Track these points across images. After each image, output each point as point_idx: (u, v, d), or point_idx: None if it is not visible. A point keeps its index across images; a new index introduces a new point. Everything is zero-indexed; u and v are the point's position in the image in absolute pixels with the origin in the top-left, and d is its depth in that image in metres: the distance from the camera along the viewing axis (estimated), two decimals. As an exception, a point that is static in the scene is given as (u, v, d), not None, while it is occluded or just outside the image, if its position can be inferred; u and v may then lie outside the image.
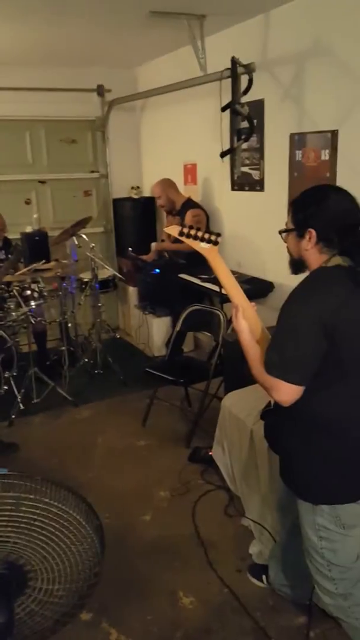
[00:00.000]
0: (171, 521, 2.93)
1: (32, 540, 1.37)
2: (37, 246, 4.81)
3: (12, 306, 4.05)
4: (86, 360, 4.80)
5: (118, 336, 5.40)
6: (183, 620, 2.31)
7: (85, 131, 5.70)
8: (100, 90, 5.53)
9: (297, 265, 1.82)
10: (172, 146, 5.30)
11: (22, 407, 4.08)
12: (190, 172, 5.08)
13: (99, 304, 4.86)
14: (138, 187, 5.84)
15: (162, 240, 5.06)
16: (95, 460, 3.56)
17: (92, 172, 5.83)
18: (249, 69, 3.69)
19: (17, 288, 4.04)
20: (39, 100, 5.25)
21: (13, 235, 4.83)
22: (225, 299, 3.82)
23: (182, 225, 1.73)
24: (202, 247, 1.74)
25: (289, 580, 2.29)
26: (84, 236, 4.65)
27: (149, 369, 3.88)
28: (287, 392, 1.65)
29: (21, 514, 1.32)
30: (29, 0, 3.26)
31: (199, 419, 3.70)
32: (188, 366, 4.10)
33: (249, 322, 1.79)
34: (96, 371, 4.79)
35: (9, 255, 4.52)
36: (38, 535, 1.37)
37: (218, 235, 1.73)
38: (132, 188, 5.80)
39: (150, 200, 5.81)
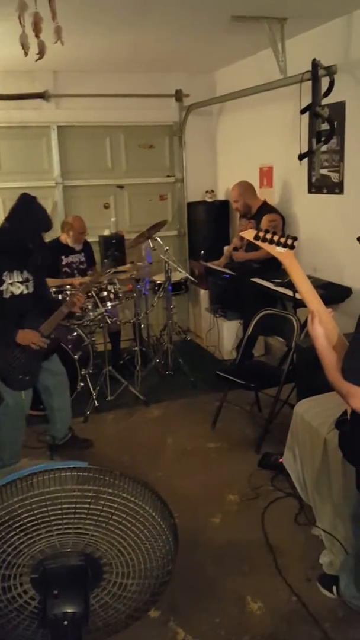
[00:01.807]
0: (240, 525, 2.92)
1: (109, 534, 1.41)
2: (114, 249, 4.94)
3: (89, 306, 4.18)
4: (157, 360, 4.88)
5: (189, 338, 5.45)
6: (251, 626, 2.30)
7: (163, 136, 5.80)
8: (179, 96, 5.60)
9: None
10: (248, 149, 5.28)
11: (96, 404, 4.20)
12: (266, 175, 5.05)
13: (171, 306, 4.92)
14: (212, 191, 5.86)
15: (235, 248, 5.04)
16: (165, 459, 3.60)
17: (168, 176, 5.92)
18: (330, 71, 3.63)
19: (95, 289, 4.16)
20: (118, 106, 5.39)
21: (91, 238, 4.98)
22: (299, 303, 3.78)
23: (259, 229, 1.73)
24: (278, 251, 1.73)
25: (361, 593, 2.23)
26: (159, 239, 4.73)
27: (220, 372, 3.88)
28: (365, 400, 1.62)
29: (100, 508, 1.36)
30: (115, 9, 3.36)
31: (270, 425, 3.66)
32: (259, 371, 4.07)
33: (325, 328, 1.76)
34: (167, 372, 4.86)
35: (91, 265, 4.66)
36: (115, 530, 1.40)
37: (294, 239, 1.71)
38: (207, 192, 5.83)
39: (224, 204, 5.82)
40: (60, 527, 1.36)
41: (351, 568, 2.25)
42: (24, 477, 1.34)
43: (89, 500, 1.35)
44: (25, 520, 1.33)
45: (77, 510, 1.35)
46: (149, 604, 1.59)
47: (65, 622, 1.36)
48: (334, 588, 2.39)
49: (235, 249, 5.09)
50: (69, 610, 1.37)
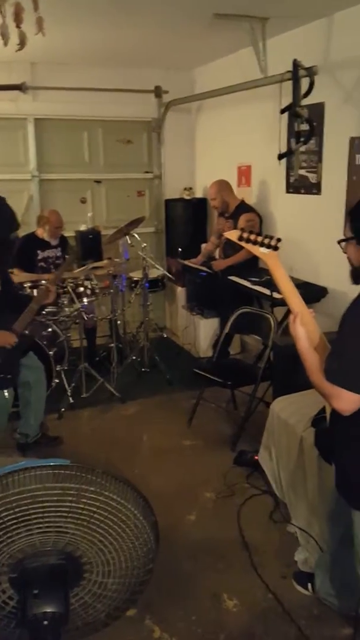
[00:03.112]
0: (216, 523, 2.93)
1: (90, 533, 1.40)
2: (90, 244, 4.90)
3: (65, 302, 4.13)
4: (134, 357, 4.85)
5: (165, 336, 5.44)
6: (226, 623, 2.31)
7: (141, 132, 5.77)
8: (158, 92, 5.58)
9: (358, 274, 1.79)
10: (227, 148, 5.30)
11: (71, 400, 4.16)
12: (244, 174, 5.07)
13: (148, 303, 4.90)
14: (190, 189, 5.86)
15: (214, 258, 5.05)
16: (141, 457, 3.59)
17: (146, 172, 5.89)
18: (311, 72, 3.66)
19: (71, 285, 4.11)
20: (97, 100, 5.34)
21: (68, 233, 4.93)
22: (276, 302, 3.80)
23: (243, 230, 1.72)
24: (262, 252, 1.73)
25: (335, 590, 2.26)
26: (136, 236, 4.70)
27: (197, 369, 3.88)
28: (348, 401, 1.63)
29: (81, 506, 1.34)
30: (96, 2, 3.33)
31: (245, 423, 3.68)
32: (235, 369, 4.10)
33: (306, 329, 1.78)
34: (143, 369, 4.84)
35: (65, 255, 4.62)
36: (96, 528, 1.39)
37: (279, 240, 1.71)
38: (185, 189, 5.82)
39: (202, 202, 5.83)
40: (41, 525, 1.34)
41: (326, 565, 2.27)
42: (4, 475, 1.32)
43: (70, 498, 1.33)
44: (6, 519, 1.30)
45: (58, 509, 1.33)
46: (129, 603, 1.58)
47: (45, 622, 1.34)
48: (309, 585, 2.41)
49: (214, 258, 5.09)
50: (49, 610, 1.35)
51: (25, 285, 4.05)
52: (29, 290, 4.04)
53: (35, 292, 3.98)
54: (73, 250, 4.50)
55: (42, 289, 3.37)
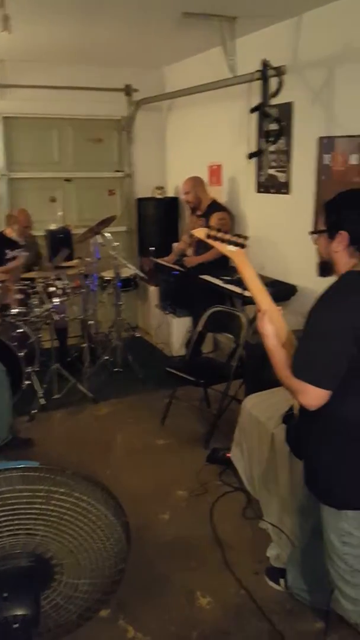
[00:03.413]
0: (189, 521, 2.94)
1: (60, 534, 1.38)
2: (61, 244, 4.86)
3: (35, 302, 4.09)
4: (106, 358, 4.83)
5: (138, 335, 5.43)
6: (200, 621, 2.32)
7: (112, 130, 5.75)
8: (128, 90, 5.56)
9: (325, 267, 1.82)
10: (198, 147, 5.31)
11: (43, 402, 4.12)
12: (215, 173, 5.09)
13: (120, 303, 4.88)
14: (162, 188, 5.85)
15: (197, 248, 5.04)
16: (114, 457, 3.58)
17: (117, 171, 5.87)
18: (280, 72, 3.69)
19: (42, 284, 4.07)
20: (67, 98, 5.29)
21: (38, 232, 4.88)
22: (247, 300, 3.83)
23: (211, 228, 1.73)
24: (229, 250, 1.74)
25: (307, 584, 2.28)
26: (108, 235, 4.67)
27: (170, 368, 3.89)
28: (315, 396, 1.65)
29: (51, 508, 1.33)
30: (61, 0, 3.30)
31: (218, 420, 3.70)
32: (208, 367, 4.11)
33: (275, 326, 1.80)
34: (116, 369, 4.82)
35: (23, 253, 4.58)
36: (66, 530, 1.38)
37: (246, 238, 1.73)
38: (156, 188, 5.82)
39: (174, 201, 5.83)
40: (10, 528, 1.32)
41: (297, 560, 2.30)
42: (-28, 478, 1.30)
43: (40, 500, 1.32)
44: (-26, 523, 1.29)
45: (28, 511, 1.32)
46: (101, 604, 1.57)
47: (16, 625, 1.33)
48: (282, 581, 2.43)
49: (185, 255, 5.09)
50: (19, 613, 1.33)
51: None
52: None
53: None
54: (33, 250, 4.41)
55: (2, 287, 3.31)
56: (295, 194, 4.03)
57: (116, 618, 2.33)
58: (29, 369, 4.09)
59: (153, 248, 5.48)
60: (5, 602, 1.34)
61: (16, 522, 1.33)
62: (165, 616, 2.34)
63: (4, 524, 1.32)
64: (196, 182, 4.88)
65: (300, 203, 3.94)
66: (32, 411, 4.04)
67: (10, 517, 1.31)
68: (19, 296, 4.07)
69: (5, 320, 3.98)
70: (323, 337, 1.63)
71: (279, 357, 1.77)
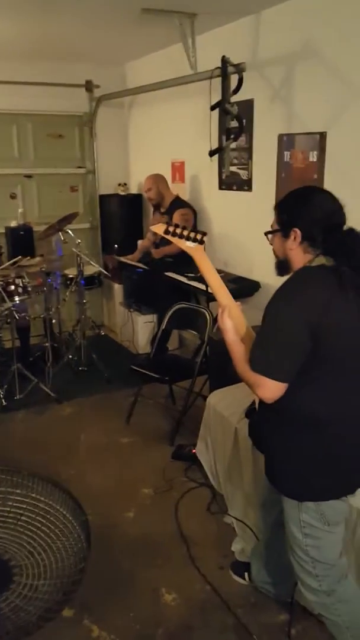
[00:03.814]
0: (154, 518, 2.93)
1: (18, 536, 1.37)
2: (21, 241, 4.78)
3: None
4: (70, 356, 4.78)
5: (102, 333, 5.39)
6: (165, 617, 2.32)
7: (73, 126, 5.68)
8: (89, 86, 5.50)
9: (282, 266, 1.84)
10: (161, 144, 5.29)
11: (4, 403, 4.05)
12: (178, 170, 5.08)
13: (84, 301, 4.83)
14: (125, 184, 5.82)
15: (157, 243, 5.03)
16: (78, 457, 3.54)
17: (79, 167, 5.81)
18: (239, 69, 3.70)
19: (1, 283, 4.00)
20: (26, 94, 5.20)
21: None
22: (211, 297, 3.84)
23: (169, 224, 1.73)
24: (188, 245, 1.75)
25: (271, 577, 2.31)
26: (70, 232, 4.62)
27: (134, 366, 3.87)
28: (271, 389, 1.67)
29: (7, 509, 1.31)
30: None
31: (183, 417, 3.70)
32: (173, 364, 4.10)
33: (234, 321, 1.81)
34: (80, 368, 4.77)
35: None
36: (24, 531, 1.36)
37: (204, 234, 1.74)
38: (119, 185, 5.78)
39: (138, 198, 5.80)
40: (-35, 531, 1.30)
41: (261, 554, 2.32)
42: None
43: (-5, 501, 1.30)
44: None
45: (-17, 513, 1.29)
46: (62, 604, 1.56)
47: (-28, 630, 1.30)
48: (246, 574, 2.45)
49: (150, 254, 5.08)
50: (-24, 618, 1.31)
51: None
52: None
53: None
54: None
55: None
56: (257, 191, 4.06)
57: (80, 618, 2.30)
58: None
59: (117, 245, 5.45)
60: None
61: (-29, 524, 1.30)
62: (130, 614, 2.33)
63: None
64: (158, 179, 4.87)
65: (261, 200, 3.96)
66: (-6, 412, 3.97)
67: (-35, 520, 1.29)
68: None
69: None
70: (278, 330, 1.65)
71: (238, 352, 1.78)
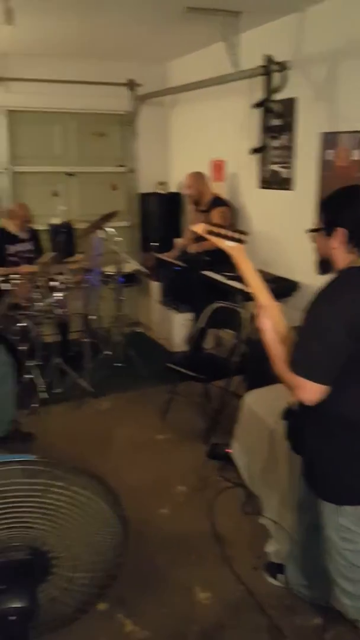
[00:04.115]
0: (188, 516, 2.94)
1: (58, 527, 1.39)
2: (63, 238, 4.85)
3: (37, 297, 4.09)
4: (107, 353, 4.83)
5: (139, 330, 5.43)
6: (198, 615, 2.32)
7: (115, 125, 5.73)
8: (131, 85, 5.54)
9: (324, 265, 1.82)
10: (201, 142, 5.29)
11: (44, 396, 4.12)
12: (217, 168, 5.07)
13: (122, 298, 4.88)
14: (164, 183, 5.84)
15: (196, 240, 5.02)
16: (114, 452, 3.58)
17: (120, 166, 5.86)
18: (283, 67, 3.67)
19: (44, 279, 4.07)
20: (70, 92, 5.28)
21: (41, 226, 4.87)
22: (249, 297, 3.81)
23: (208, 222, 1.73)
24: (228, 245, 1.74)
25: (306, 580, 2.28)
26: (110, 230, 4.66)
27: (170, 364, 3.88)
28: (313, 391, 1.65)
29: (49, 501, 1.34)
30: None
31: (219, 416, 3.70)
32: (209, 363, 4.10)
33: (273, 322, 1.79)
34: (117, 364, 4.82)
35: (38, 249, 4.57)
36: (64, 523, 1.38)
37: (245, 233, 1.72)
38: (159, 183, 5.81)
39: (176, 196, 5.82)
40: (8, 521, 1.33)
41: (297, 556, 2.30)
42: (-30, 471, 1.30)
43: (38, 493, 1.32)
44: (-29, 515, 1.29)
45: (25, 504, 1.32)
46: (98, 597, 1.58)
47: (13, 618, 1.33)
48: (280, 576, 2.44)
49: (187, 250, 5.07)
50: (16, 606, 1.34)
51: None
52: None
53: (4, 286, 3.94)
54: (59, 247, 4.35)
55: (19, 284, 3.30)
56: (298, 190, 4.02)
57: (114, 612, 2.33)
58: (30, 363, 4.10)
59: (155, 243, 5.47)
60: (3, 594, 1.35)
61: (14, 514, 1.33)
62: (164, 610, 2.35)
63: (2, 516, 1.32)
64: (198, 177, 4.87)
65: (302, 199, 3.92)
66: (33, 405, 4.04)
67: (7, 510, 1.32)
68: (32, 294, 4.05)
69: (7, 313, 3.98)
70: (320, 332, 1.63)
71: (277, 353, 1.77)
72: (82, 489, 1.35)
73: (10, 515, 1.33)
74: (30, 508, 1.33)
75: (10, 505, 1.31)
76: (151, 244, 5.53)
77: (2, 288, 3.94)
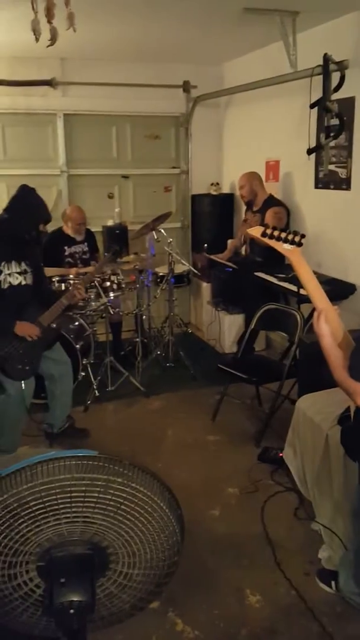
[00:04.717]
0: (240, 518, 2.93)
1: (117, 524, 1.41)
2: (117, 240, 4.93)
3: (92, 296, 4.17)
4: (158, 352, 4.87)
5: (190, 331, 5.45)
6: (249, 618, 2.31)
7: (169, 127, 5.77)
8: (186, 87, 5.57)
9: None
10: (255, 143, 5.26)
11: (97, 394, 4.20)
12: (272, 169, 5.03)
13: (173, 298, 4.91)
14: (217, 184, 5.84)
15: (245, 242, 5.02)
16: (164, 451, 3.61)
17: (173, 167, 5.89)
18: (342, 66, 3.61)
19: (98, 279, 4.15)
20: (125, 95, 5.35)
21: (95, 228, 4.96)
22: (303, 299, 3.77)
23: (264, 225, 1.71)
24: (285, 248, 1.71)
25: (359, 588, 2.24)
26: (163, 231, 4.71)
27: (222, 365, 3.88)
28: (372, 398, 1.62)
29: (108, 497, 1.36)
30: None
31: (270, 419, 3.67)
32: (260, 365, 4.07)
33: (330, 326, 1.76)
34: (167, 364, 4.86)
35: (94, 252, 4.65)
36: (122, 519, 1.40)
37: (302, 236, 1.70)
38: (212, 184, 5.81)
39: (229, 197, 5.81)
40: (68, 515, 1.36)
41: (350, 563, 2.25)
42: (33, 465, 1.34)
43: (98, 489, 1.35)
44: (34, 508, 1.32)
45: (86, 499, 1.35)
46: (154, 595, 1.59)
47: (71, 611, 1.36)
48: (333, 583, 2.40)
49: (240, 254, 5.03)
50: (75, 599, 1.37)
51: (53, 280, 4.11)
52: (56, 285, 4.09)
53: (62, 286, 4.04)
54: (115, 251, 4.37)
55: (75, 286, 3.38)
56: (356, 191, 3.94)
57: (165, 610, 2.35)
58: (85, 361, 4.19)
59: (206, 244, 5.48)
60: (62, 587, 1.38)
61: (74, 509, 1.36)
62: (215, 612, 2.35)
63: (63, 511, 1.35)
64: (252, 176, 4.85)
65: (360, 200, 3.85)
66: (87, 402, 4.12)
67: (68, 505, 1.35)
68: (87, 295, 4.12)
69: (65, 313, 4.07)
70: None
71: (335, 358, 1.73)
72: (141, 486, 1.37)
73: (71, 511, 1.36)
74: (91, 503, 1.36)
75: (73, 500, 1.34)
76: (203, 245, 5.54)
77: (60, 288, 4.03)
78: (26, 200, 3.13)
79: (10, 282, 3.11)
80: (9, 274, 3.10)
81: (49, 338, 3.27)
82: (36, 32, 2.51)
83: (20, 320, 3.10)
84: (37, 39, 2.51)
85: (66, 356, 3.51)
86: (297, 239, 1.70)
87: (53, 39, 2.53)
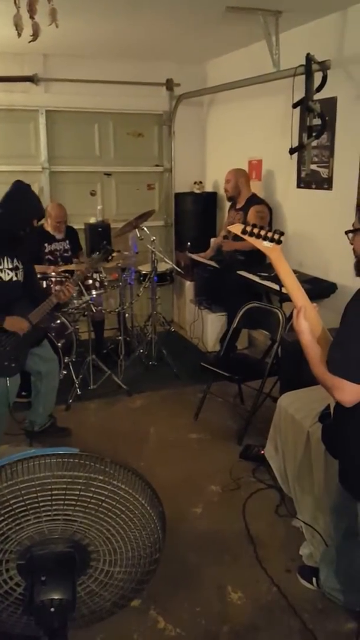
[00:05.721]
0: (221, 516, 2.94)
1: (98, 522, 1.40)
2: (99, 237, 4.91)
3: (74, 294, 4.14)
4: (141, 351, 4.86)
5: (172, 329, 5.45)
6: (231, 615, 2.32)
7: (152, 125, 5.76)
8: (169, 85, 5.56)
9: None
10: (238, 142, 5.28)
11: (79, 392, 4.18)
12: (255, 168, 5.05)
13: (156, 297, 4.91)
14: (200, 182, 5.84)
15: (225, 237, 5.02)
16: (147, 449, 3.61)
17: (157, 165, 5.88)
18: (324, 66, 3.63)
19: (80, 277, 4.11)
20: (108, 93, 5.33)
21: (78, 225, 4.93)
22: (284, 297, 3.80)
23: (245, 222, 1.73)
24: (265, 245, 1.72)
25: (340, 584, 2.26)
26: (146, 229, 4.70)
27: (204, 363, 3.89)
28: (351, 392, 1.64)
29: (90, 494, 1.35)
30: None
31: (252, 417, 3.68)
32: (243, 363, 4.09)
33: (310, 323, 1.77)
34: (150, 362, 4.85)
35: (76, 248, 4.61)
36: (104, 517, 1.40)
37: (281, 233, 1.71)
38: (195, 183, 5.81)
39: (212, 196, 5.81)
40: (49, 513, 1.35)
41: (331, 560, 2.28)
42: (13, 463, 1.33)
43: (79, 487, 1.34)
44: (15, 506, 1.31)
45: (66, 497, 1.34)
46: (135, 592, 1.59)
47: (52, 609, 1.35)
48: (314, 579, 2.42)
49: (226, 237, 5.06)
50: (56, 597, 1.36)
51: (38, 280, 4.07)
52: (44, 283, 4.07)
53: (44, 284, 4.01)
54: (107, 250, 4.34)
55: (65, 285, 3.36)
56: (338, 190, 3.97)
57: (147, 608, 2.35)
58: (66, 359, 4.16)
59: (190, 243, 5.48)
60: (43, 585, 1.37)
61: (55, 507, 1.35)
62: (196, 609, 2.35)
63: (43, 509, 1.35)
64: (239, 173, 4.86)
65: (342, 199, 3.88)
66: (69, 400, 4.10)
67: (49, 503, 1.34)
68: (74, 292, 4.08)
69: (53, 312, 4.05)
70: (357, 331, 1.62)
71: (315, 354, 1.75)
72: (122, 484, 1.36)
73: (53, 508, 1.35)
74: (72, 501, 1.35)
75: (53, 498, 1.33)
76: (187, 243, 5.54)
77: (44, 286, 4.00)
78: (21, 196, 3.10)
79: (1, 278, 3.08)
80: (1, 270, 3.07)
81: (36, 335, 3.25)
82: (18, 28, 2.49)
83: (9, 315, 3.08)
84: (19, 35, 2.49)
85: (53, 353, 3.50)
86: (276, 236, 1.72)
87: (35, 35, 2.51)
